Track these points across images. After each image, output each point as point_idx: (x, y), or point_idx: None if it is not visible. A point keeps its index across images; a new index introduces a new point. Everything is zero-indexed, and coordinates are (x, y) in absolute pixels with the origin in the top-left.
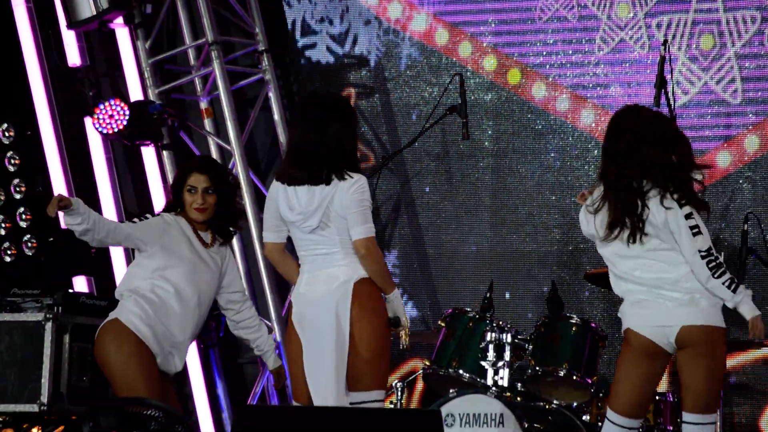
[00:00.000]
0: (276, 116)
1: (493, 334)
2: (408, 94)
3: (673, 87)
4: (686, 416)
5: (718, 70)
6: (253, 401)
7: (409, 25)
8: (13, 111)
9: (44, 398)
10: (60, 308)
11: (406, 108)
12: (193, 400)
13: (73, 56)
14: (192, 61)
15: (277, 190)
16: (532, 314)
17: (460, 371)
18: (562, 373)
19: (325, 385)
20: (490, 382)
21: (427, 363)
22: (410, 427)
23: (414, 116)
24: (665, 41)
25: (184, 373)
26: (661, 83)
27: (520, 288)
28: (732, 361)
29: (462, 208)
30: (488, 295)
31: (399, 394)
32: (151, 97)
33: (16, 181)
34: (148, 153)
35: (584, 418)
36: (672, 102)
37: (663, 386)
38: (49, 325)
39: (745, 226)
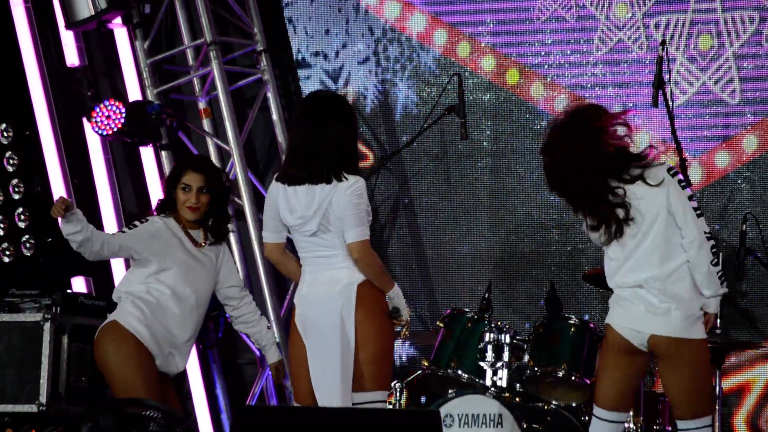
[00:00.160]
0: (274, 116)
1: (492, 335)
2: (406, 94)
3: (671, 87)
4: (679, 423)
5: (717, 70)
6: (252, 402)
7: (407, 25)
8: (11, 111)
9: (43, 399)
10: (58, 309)
11: (405, 108)
12: (192, 401)
13: (72, 56)
14: (190, 62)
15: (277, 191)
16: (531, 315)
17: (459, 372)
18: (560, 374)
19: (332, 388)
20: (488, 382)
21: (426, 363)
22: (409, 427)
23: (413, 116)
24: (663, 41)
25: (182, 373)
26: (659, 83)
27: (519, 288)
28: (732, 361)
29: (460, 208)
30: (487, 295)
31: (398, 394)
32: (150, 97)
33: (14, 181)
34: (147, 153)
35: (583, 418)
36: (670, 102)
37: (662, 386)
38: (47, 326)
39: (744, 226)
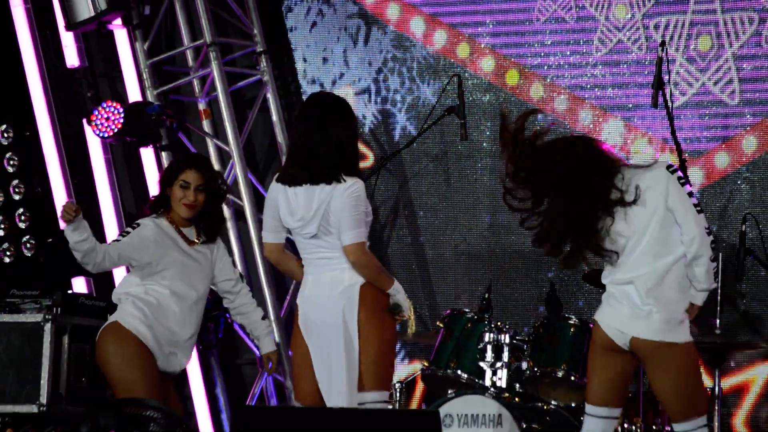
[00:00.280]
0: (274, 117)
1: (491, 335)
2: (406, 95)
3: (671, 88)
4: (674, 426)
5: (716, 71)
6: (252, 402)
7: (406, 25)
8: (11, 112)
9: (43, 399)
10: (59, 309)
11: (405, 109)
12: (192, 401)
13: (72, 57)
14: (190, 62)
15: (277, 192)
16: (531, 315)
17: (459, 372)
18: (560, 374)
19: (338, 389)
20: (488, 382)
21: (426, 364)
22: (409, 427)
23: (412, 117)
24: (663, 42)
25: (182, 374)
26: (658, 84)
27: (519, 289)
28: (731, 361)
29: (460, 208)
30: (486, 296)
31: (398, 394)
32: (150, 98)
33: (15, 182)
34: (147, 154)
35: (582, 418)
36: (670, 103)
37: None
38: (48, 326)
39: (743, 226)
